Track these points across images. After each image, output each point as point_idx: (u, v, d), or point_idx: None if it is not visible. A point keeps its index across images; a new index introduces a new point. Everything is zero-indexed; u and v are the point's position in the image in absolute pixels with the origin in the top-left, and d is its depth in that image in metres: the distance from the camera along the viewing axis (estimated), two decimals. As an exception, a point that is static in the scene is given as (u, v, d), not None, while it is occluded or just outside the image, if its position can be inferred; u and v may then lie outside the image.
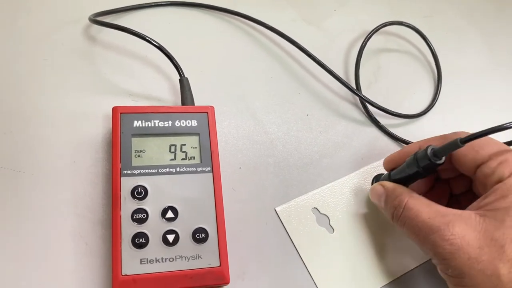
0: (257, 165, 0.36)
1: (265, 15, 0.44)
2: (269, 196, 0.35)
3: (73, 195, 0.32)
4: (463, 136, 0.29)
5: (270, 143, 0.38)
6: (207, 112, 0.34)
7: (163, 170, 0.31)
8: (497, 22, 0.53)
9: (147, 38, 0.36)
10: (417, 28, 0.46)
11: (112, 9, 0.41)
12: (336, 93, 0.42)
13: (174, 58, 0.36)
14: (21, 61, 0.37)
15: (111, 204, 0.30)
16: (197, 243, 0.29)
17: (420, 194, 0.33)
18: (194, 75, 0.37)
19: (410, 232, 0.28)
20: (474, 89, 0.46)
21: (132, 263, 0.28)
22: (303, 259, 0.33)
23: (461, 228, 0.25)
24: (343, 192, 0.36)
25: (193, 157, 0.32)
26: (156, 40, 0.36)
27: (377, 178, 0.35)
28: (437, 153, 0.28)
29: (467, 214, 0.26)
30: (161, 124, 0.32)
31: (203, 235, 0.30)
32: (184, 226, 0.30)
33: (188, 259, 0.29)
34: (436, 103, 0.44)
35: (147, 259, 0.28)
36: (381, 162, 0.38)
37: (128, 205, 0.29)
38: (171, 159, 0.32)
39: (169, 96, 0.38)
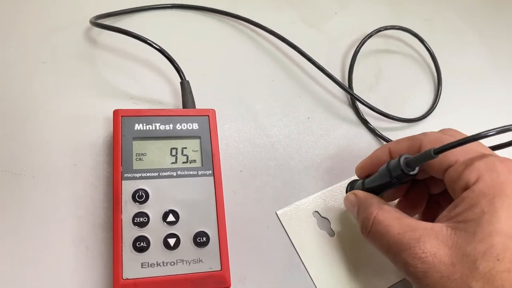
0: (258, 168, 0.36)
1: (266, 18, 0.44)
2: (270, 199, 0.35)
3: (74, 198, 0.32)
4: (430, 136, 0.28)
5: (271, 146, 0.38)
6: (208, 115, 0.34)
7: (164, 174, 0.31)
8: (497, 25, 0.53)
9: (148, 41, 0.36)
10: (414, 32, 0.46)
11: (113, 12, 0.41)
12: (337, 97, 0.42)
13: (175, 61, 0.36)
14: (22, 63, 0.37)
15: (112, 207, 0.30)
16: (198, 247, 0.29)
17: (397, 198, 0.32)
18: (195, 78, 0.37)
19: (381, 248, 0.27)
20: (474, 92, 0.46)
21: (133, 267, 0.28)
22: (304, 263, 0.33)
23: (432, 244, 0.24)
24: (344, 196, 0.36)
25: (194, 161, 0.32)
26: (157, 43, 0.36)
27: (351, 185, 0.34)
28: (410, 163, 0.27)
29: (438, 228, 0.25)
30: (162, 127, 0.32)
31: (204, 238, 0.30)
32: (185, 230, 0.30)
33: (189, 263, 0.29)
34: (437, 106, 0.44)
35: (148, 263, 0.28)
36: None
37: (129, 208, 0.29)
38: (172, 163, 0.31)
39: (170, 99, 0.38)
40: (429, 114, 0.43)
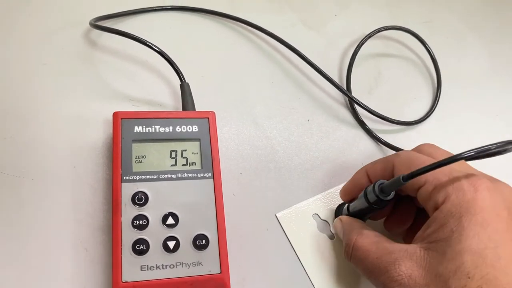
0: (258, 171, 0.36)
1: (266, 20, 0.44)
2: (270, 201, 0.35)
3: (73, 201, 0.32)
4: (402, 157, 0.29)
5: (271, 148, 0.38)
6: (208, 118, 0.33)
7: (163, 176, 0.31)
8: (497, 27, 0.53)
9: (147, 43, 0.36)
10: (414, 32, 0.46)
11: (113, 14, 0.41)
12: (337, 99, 0.42)
13: (175, 63, 0.36)
14: (21, 65, 0.37)
15: (111, 210, 0.29)
16: (198, 250, 0.29)
17: (383, 216, 0.33)
18: (195, 81, 0.37)
19: (362, 272, 0.28)
20: (474, 95, 0.46)
21: (133, 269, 0.28)
22: (303, 265, 0.33)
23: (406, 266, 0.25)
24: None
25: (194, 163, 0.32)
26: (156, 45, 0.36)
27: (339, 208, 0.35)
28: (384, 189, 0.28)
29: (412, 249, 0.25)
30: (162, 129, 0.32)
31: (204, 241, 0.29)
32: (184, 233, 0.29)
33: (189, 266, 0.29)
34: (436, 109, 0.44)
35: (147, 265, 0.28)
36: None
37: (128, 211, 0.29)
38: (172, 165, 0.31)
39: (170, 101, 0.38)
40: (428, 117, 0.43)
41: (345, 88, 0.41)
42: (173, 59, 0.36)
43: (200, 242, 0.29)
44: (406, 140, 0.41)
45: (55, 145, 0.34)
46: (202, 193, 0.31)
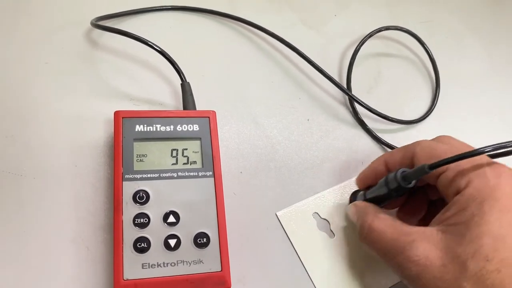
0: (258, 170, 0.37)
1: (266, 20, 0.44)
2: (270, 200, 0.35)
3: (75, 199, 0.32)
4: (423, 145, 0.29)
5: (271, 147, 0.38)
6: (208, 117, 0.34)
7: (164, 175, 0.31)
8: (496, 28, 0.53)
9: (148, 42, 0.36)
10: (413, 33, 0.46)
11: (114, 14, 0.41)
12: (337, 98, 0.43)
13: (175, 62, 0.36)
14: (23, 64, 0.37)
15: (112, 208, 0.30)
16: (199, 248, 0.29)
17: (397, 206, 0.33)
18: (195, 80, 0.37)
19: (377, 254, 0.28)
20: (473, 95, 0.47)
21: (134, 267, 0.28)
22: (303, 264, 0.33)
23: (424, 247, 0.25)
24: (344, 197, 0.36)
25: (195, 162, 0.32)
26: (157, 45, 0.36)
27: (354, 195, 0.35)
28: (406, 178, 0.28)
29: (430, 232, 0.26)
30: (163, 128, 0.32)
31: (205, 239, 0.30)
32: (185, 231, 0.30)
33: (190, 264, 0.29)
34: (435, 108, 0.44)
35: (148, 263, 0.28)
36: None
37: (129, 209, 0.29)
38: (173, 164, 0.32)
39: (171, 100, 0.38)
40: (427, 116, 0.43)
41: (345, 87, 0.41)
42: (173, 58, 0.36)
43: (201, 240, 0.30)
44: (406, 139, 0.41)
45: (56, 144, 0.34)
46: (203, 192, 0.31)
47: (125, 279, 0.28)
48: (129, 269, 0.28)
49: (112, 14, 0.41)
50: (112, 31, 0.38)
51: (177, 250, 0.29)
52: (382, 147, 0.41)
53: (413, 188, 0.29)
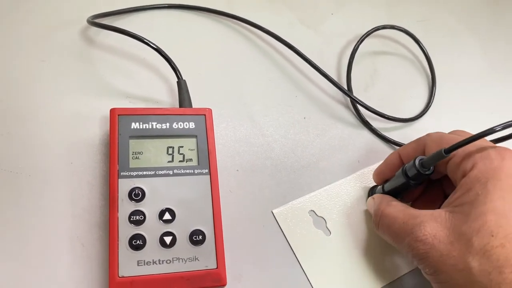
0: (254, 168, 0.37)
1: (263, 18, 0.44)
2: (266, 198, 0.35)
3: (70, 197, 0.32)
4: (433, 136, 0.31)
5: (268, 145, 0.38)
6: (204, 115, 0.34)
7: (160, 172, 0.31)
8: (492, 26, 0.53)
9: (145, 40, 0.36)
10: (409, 32, 0.46)
11: (110, 11, 0.41)
12: (333, 97, 0.43)
13: (172, 60, 0.36)
14: (19, 62, 0.37)
15: (108, 205, 0.30)
16: (194, 245, 0.29)
17: (414, 198, 0.34)
18: (192, 78, 0.37)
19: (390, 238, 0.30)
20: (469, 93, 0.47)
21: (129, 264, 0.28)
22: (299, 261, 0.33)
23: (431, 227, 0.26)
24: (340, 195, 0.36)
25: (191, 159, 0.32)
26: (154, 42, 0.36)
27: (372, 190, 0.36)
28: (424, 164, 0.29)
29: (437, 213, 0.27)
30: (158, 126, 0.32)
31: (200, 237, 0.30)
32: (181, 228, 0.30)
33: (185, 261, 0.29)
34: (431, 106, 0.44)
35: (144, 261, 0.28)
36: (378, 165, 0.39)
37: (125, 206, 0.29)
38: (169, 161, 0.32)
39: (167, 98, 0.38)
40: (423, 114, 0.43)
41: (342, 85, 0.41)
42: (170, 56, 0.36)
43: (197, 238, 0.30)
44: (403, 137, 0.41)
45: (52, 141, 0.34)
46: (199, 189, 0.31)
47: (120, 276, 0.28)
48: (125, 266, 0.28)
49: (108, 12, 0.41)
50: (108, 29, 0.38)
51: (172, 247, 0.29)
52: (379, 145, 0.41)
53: (429, 179, 0.30)
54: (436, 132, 0.31)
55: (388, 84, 0.45)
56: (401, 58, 0.48)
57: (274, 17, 0.46)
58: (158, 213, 0.30)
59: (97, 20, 0.39)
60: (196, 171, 0.32)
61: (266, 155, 0.37)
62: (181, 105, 0.35)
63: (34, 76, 0.37)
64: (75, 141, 0.34)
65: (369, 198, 0.34)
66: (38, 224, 0.31)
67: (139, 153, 0.31)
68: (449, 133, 0.32)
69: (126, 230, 0.29)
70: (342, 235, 0.35)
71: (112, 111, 0.32)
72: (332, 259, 0.33)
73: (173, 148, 0.32)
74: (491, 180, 0.25)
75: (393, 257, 0.34)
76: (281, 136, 0.39)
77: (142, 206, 0.30)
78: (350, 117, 0.42)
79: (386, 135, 0.41)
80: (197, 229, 0.30)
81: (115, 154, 0.31)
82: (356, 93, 0.43)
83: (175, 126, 0.33)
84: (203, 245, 0.30)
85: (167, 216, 0.30)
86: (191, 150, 0.32)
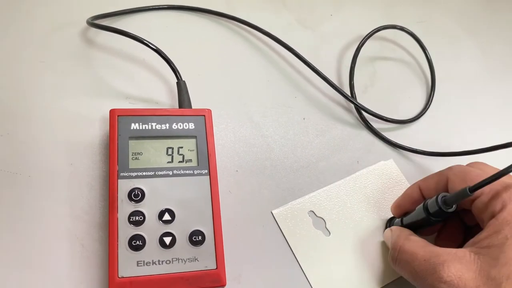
0: (253, 168, 0.37)
1: (262, 19, 0.44)
2: (266, 199, 0.35)
3: (70, 198, 0.32)
4: (455, 170, 0.30)
5: (267, 146, 0.38)
6: (204, 115, 0.34)
7: (160, 173, 0.31)
8: (491, 28, 0.54)
9: (144, 41, 0.36)
10: (410, 31, 0.46)
11: (110, 12, 0.41)
12: (332, 98, 0.43)
13: (171, 61, 0.36)
14: (19, 63, 0.37)
15: (108, 206, 0.30)
16: (194, 246, 0.29)
17: (434, 232, 0.33)
18: (191, 78, 0.37)
19: (408, 275, 0.29)
20: (467, 95, 0.47)
21: (129, 265, 0.28)
22: (299, 262, 0.33)
23: (456, 268, 0.25)
24: (339, 196, 0.37)
25: (190, 160, 0.32)
26: (153, 44, 0.36)
27: (390, 221, 0.35)
28: (448, 201, 0.28)
29: (462, 253, 0.26)
30: (158, 126, 0.32)
31: (200, 237, 0.30)
32: (181, 229, 0.30)
33: (185, 262, 0.29)
34: (429, 108, 0.44)
35: (143, 261, 0.28)
36: (376, 166, 0.39)
37: (125, 207, 0.29)
38: (168, 162, 0.32)
39: (167, 99, 0.38)
40: (421, 116, 0.44)
41: (342, 88, 0.41)
42: (169, 57, 0.37)
43: (196, 238, 0.30)
44: (401, 138, 0.41)
45: (52, 142, 0.34)
46: (198, 190, 0.31)
47: (120, 276, 0.28)
48: (124, 266, 0.28)
49: (108, 13, 0.41)
50: (108, 30, 0.38)
51: (172, 248, 0.29)
52: (378, 145, 0.41)
53: (450, 214, 0.29)
54: (458, 166, 0.31)
55: (388, 85, 0.45)
56: (400, 59, 0.48)
57: (273, 18, 0.46)
58: (158, 214, 0.30)
59: (97, 21, 0.39)
60: (195, 172, 0.32)
61: (265, 156, 0.38)
62: (180, 106, 0.35)
63: (34, 77, 0.37)
64: (74, 142, 0.34)
65: (387, 229, 0.33)
66: (38, 225, 0.31)
67: (138, 153, 0.31)
68: (468, 165, 0.32)
69: (125, 231, 0.29)
70: (341, 235, 0.35)
71: (112, 112, 0.32)
72: (332, 260, 0.34)
73: (172, 148, 0.32)
74: None
75: (393, 258, 0.34)
76: (280, 137, 0.39)
77: (141, 207, 0.30)
78: (349, 117, 0.42)
79: (386, 135, 0.41)
80: (196, 230, 0.30)
81: (114, 155, 0.31)
82: (355, 94, 0.43)
83: (174, 126, 0.33)
84: (202, 245, 0.30)
85: (166, 216, 0.30)
86: (190, 150, 0.32)
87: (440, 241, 0.33)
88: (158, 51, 0.36)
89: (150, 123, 0.32)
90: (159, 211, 0.30)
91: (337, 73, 0.45)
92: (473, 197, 0.28)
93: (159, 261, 0.29)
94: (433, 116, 0.44)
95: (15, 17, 0.40)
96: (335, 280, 0.33)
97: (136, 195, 0.30)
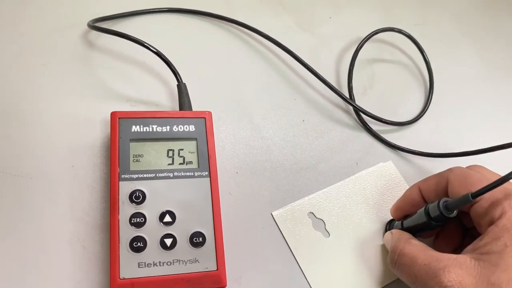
0: (253, 170, 0.37)
1: (261, 22, 0.44)
2: (266, 200, 0.36)
3: (71, 199, 0.32)
4: (456, 172, 0.30)
5: (267, 148, 0.38)
6: (204, 117, 0.34)
7: (161, 175, 0.31)
8: (488, 30, 0.54)
9: (145, 44, 0.37)
10: (408, 34, 0.47)
11: (111, 15, 0.41)
12: (331, 100, 0.43)
13: (172, 63, 0.37)
14: (20, 65, 0.37)
15: (109, 208, 0.30)
16: (195, 247, 0.30)
17: (433, 235, 0.34)
18: (191, 81, 0.37)
19: (407, 279, 0.29)
20: (465, 96, 0.47)
21: (130, 266, 0.28)
22: (299, 263, 0.33)
23: (457, 273, 0.25)
24: (339, 197, 0.37)
25: (191, 162, 0.32)
26: (154, 46, 0.37)
27: (390, 224, 0.35)
28: (449, 207, 0.28)
29: (462, 259, 0.26)
30: (159, 129, 0.33)
31: (201, 239, 0.30)
32: (181, 230, 0.30)
33: (186, 263, 0.29)
34: (428, 110, 0.45)
35: (145, 263, 0.29)
36: (375, 167, 0.39)
37: (126, 209, 0.30)
38: (169, 164, 0.32)
39: (167, 101, 0.38)
40: (420, 118, 0.44)
41: (341, 90, 0.41)
42: (170, 60, 0.37)
43: (197, 240, 0.30)
44: (400, 140, 0.41)
45: (54, 145, 0.34)
46: (199, 192, 0.31)
47: (121, 278, 0.28)
48: (125, 268, 0.28)
49: (109, 16, 0.41)
50: (109, 33, 0.38)
51: (173, 249, 0.29)
52: (377, 147, 0.41)
53: (451, 218, 0.29)
54: (458, 168, 0.31)
55: (387, 87, 0.46)
56: (398, 61, 0.48)
57: (273, 21, 0.47)
58: (159, 216, 0.30)
59: (98, 24, 0.39)
60: (196, 174, 0.32)
61: (265, 158, 0.38)
62: (181, 108, 0.35)
63: (35, 79, 0.37)
64: (76, 144, 0.34)
65: (387, 232, 0.33)
66: (40, 227, 0.31)
67: (139, 156, 0.32)
68: (467, 167, 0.32)
69: (126, 232, 0.29)
70: (341, 237, 0.35)
71: (113, 114, 0.32)
72: (331, 261, 0.34)
73: (173, 151, 0.32)
74: None
75: (392, 259, 0.34)
76: (280, 139, 0.39)
77: (142, 209, 0.30)
78: (348, 119, 0.42)
79: (385, 137, 0.41)
80: (197, 231, 0.30)
81: (115, 157, 0.31)
82: (354, 96, 0.43)
83: (175, 129, 0.33)
84: (203, 247, 0.30)
85: (167, 218, 0.30)
86: (191, 153, 0.33)
87: (438, 243, 0.33)
88: (158, 54, 0.37)
89: (151, 126, 0.33)
90: (160, 212, 0.30)
91: (336, 75, 0.45)
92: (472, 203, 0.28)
93: (160, 262, 0.29)
94: (431, 118, 0.45)
95: (16, 21, 0.40)
96: (335, 281, 0.33)
97: (137, 197, 0.30)
